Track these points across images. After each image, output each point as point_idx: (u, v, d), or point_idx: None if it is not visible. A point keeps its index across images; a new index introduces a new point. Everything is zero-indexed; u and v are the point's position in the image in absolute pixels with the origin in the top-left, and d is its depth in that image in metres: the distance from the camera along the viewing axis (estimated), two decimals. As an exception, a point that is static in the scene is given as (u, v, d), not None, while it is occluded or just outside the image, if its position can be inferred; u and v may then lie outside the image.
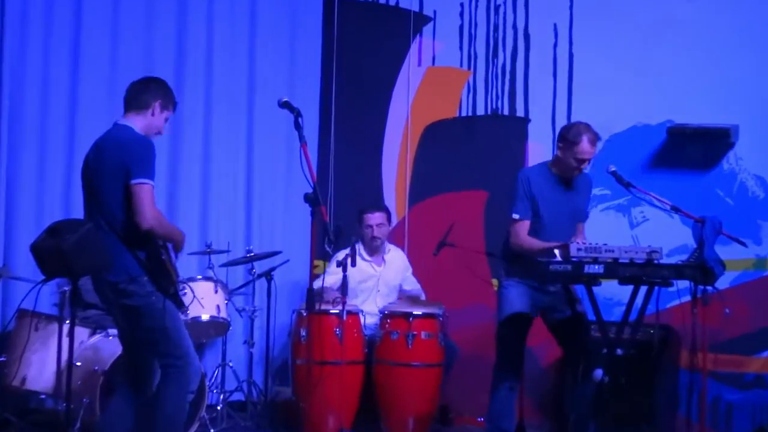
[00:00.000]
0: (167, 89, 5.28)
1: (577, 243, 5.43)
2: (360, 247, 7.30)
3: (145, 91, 5.20)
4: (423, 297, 7.49)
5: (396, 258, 7.56)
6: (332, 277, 7.04)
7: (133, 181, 4.90)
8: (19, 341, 6.19)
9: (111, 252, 4.91)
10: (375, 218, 7.38)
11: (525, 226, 6.02)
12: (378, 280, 7.41)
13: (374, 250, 7.41)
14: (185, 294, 6.44)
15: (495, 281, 7.29)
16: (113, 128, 5.16)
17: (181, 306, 5.22)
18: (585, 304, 5.91)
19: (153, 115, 5.18)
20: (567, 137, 5.96)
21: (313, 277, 5.48)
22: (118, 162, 4.95)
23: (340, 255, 6.79)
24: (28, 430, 6.34)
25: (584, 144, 5.89)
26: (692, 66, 7.15)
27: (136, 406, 5.17)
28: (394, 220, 8.16)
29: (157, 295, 4.99)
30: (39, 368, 6.26)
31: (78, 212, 5.32)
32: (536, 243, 5.89)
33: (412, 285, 7.57)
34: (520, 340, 6.11)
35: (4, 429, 6.29)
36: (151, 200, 4.92)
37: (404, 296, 7.45)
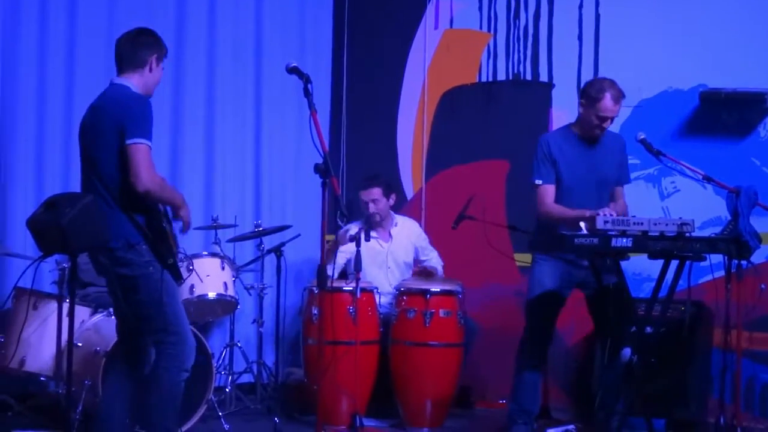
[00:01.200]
0: (159, 39, 5.25)
1: (605, 215, 5.39)
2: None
3: (138, 48, 5.16)
4: (440, 271, 7.45)
5: (405, 230, 7.54)
6: (342, 255, 7.06)
7: (129, 141, 4.88)
8: (16, 321, 6.20)
9: (110, 223, 4.91)
10: (369, 194, 7.37)
11: (549, 191, 6.01)
12: (387, 257, 7.41)
13: (376, 225, 7.40)
14: (189, 269, 6.46)
15: (517, 256, 7.29)
16: (109, 88, 5.15)
17: (179, 278, 5.21)
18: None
19: (151, 71, 5.17)
20: (589, 93, 5.93)
21: (326, 252, 5.48)
22: (114, 122, 4.94)
23: (351, 228, 6.80)
24: (28, 414, 6.37)
25: (607, 100, 5.87)
26: (726, 26, 7.09)
27: (133, 384, 5.19)
28: (410, 192, 8.16)
29: (155, 265, 5.00)
30: (38, 349, 6.28)
31: (77, 185, 5.33)
32: (564, 210, 5.86)
33: (429, 255, 7.55)
34: (549, 320, 6.11)
35: (2, 412, 6.33)
36: (147, 161, 4.90)
37: (419, 269, 7.42)
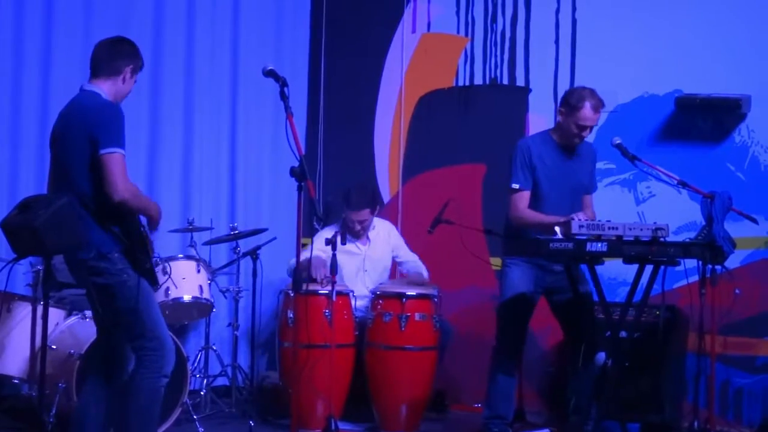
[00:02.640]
0: (137, 51, 5.21)
1: (579, 220, 5.43)
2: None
3: (117, 56, 5.12)
4: (426, 274, 7.44)
5: (381, 233, 7.53)
6: (320, 253, 7.05)
7: (102, 151, 4.84)
8: (-10, 323, 6.19)
9: (82, 230, 4.90)
10: (359, 215, 7.33)
11: (525, 197, 6.03)
12: (363, 260, 7.41)
13: (358, 237, 7.41)
14: (165, 272, 6.45)
15: (493, 260, 7.31)
16: (79, 94, 5.10)
17: (155, 283, 5.18)
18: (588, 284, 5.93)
19: (123, 82, 5.12)
20: (569, 101, 5.97)
21: (301, 255, 5.48)
22: (85, 131, 4.89)
23: (327, 232, 6.80)
24: (1, 416, 6.35)
25: (586, 110, 5.90)
26: (702, 32, 7.12)
27: (110, 391, 5.17)
28: (387, 196, 8.18)
29: (129, 273, 4.97)
30: (12, 352, 6.25)
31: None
32: (537, 216, 5.90)
33: (404, 255, 7.54)
34: (521, 322, 6.13)
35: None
36: (122, 170, 4.87)
37: (407, 280, 7.39)
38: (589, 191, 6.27)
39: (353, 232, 7.35)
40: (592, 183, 6.30)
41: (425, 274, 7.41)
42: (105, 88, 5.08)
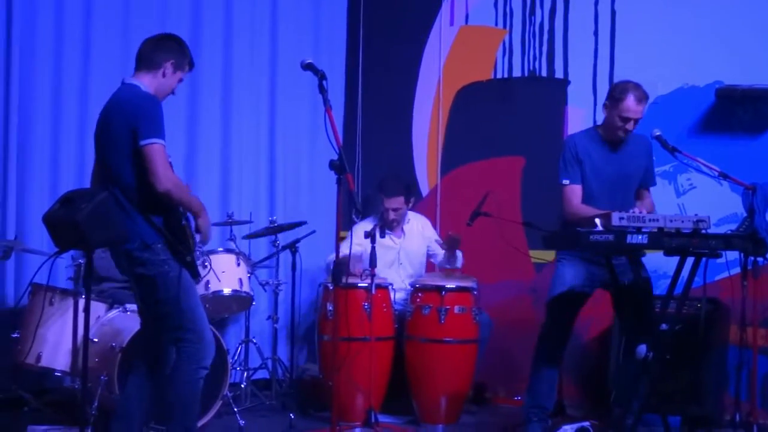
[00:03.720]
0: (183, 48, 5.24)
1: (620, 212, 5.39)
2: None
3: (157, 50, 5.16)
4: (461, 259, 7.42)
5: (416, 227, 7.54)
6: (357, 247, 7.06)
7: (143, 142, 4.88)
8: (32, 317, 6.23)
9: (126, 221, 4.93)
10: (393, 203, 7.35)
11: (577, 191, 5.99)
12: (399, 253, 7.41)
13: (392, 228, 7.41)
14: (205, 266, 6.48)
15: (532, 253, 7.29)
16: (120, 88, 5.15)
17: (197, 276, 5.22)
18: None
19: (164, 76, 5.15)
20: (613, 94, 5.94)
21: (340, 248, 5.49)
22: (125, 124, 4.94)
23: (365, 225, 6.82)
24: (44, 409, 6.40)
25: (629, 101, 5.86)
26: (742, 23, 7.07)
27: (153, 383, 5.22)
28: (425, 189, 8.17)
29: (171, 264, 5.01)
30: (54, 345, 6.30)
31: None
32: (591, 210, 5.85)
33: (438, 249, 7.49)
34: (568, 318, 6.10)
35: (18, 407, 6.36)
36: (164, 161, 4.91)
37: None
38: (645, 185, 6.19)
39: (388, 223, 7.35)
40: (648, 176, 6.20)
41: (460, 257, 7.37)
42: (145, 81, 5.12)
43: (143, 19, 7.45)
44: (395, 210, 7.35)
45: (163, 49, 5.17)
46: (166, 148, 4.95)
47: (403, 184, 7.45)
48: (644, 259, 6.00)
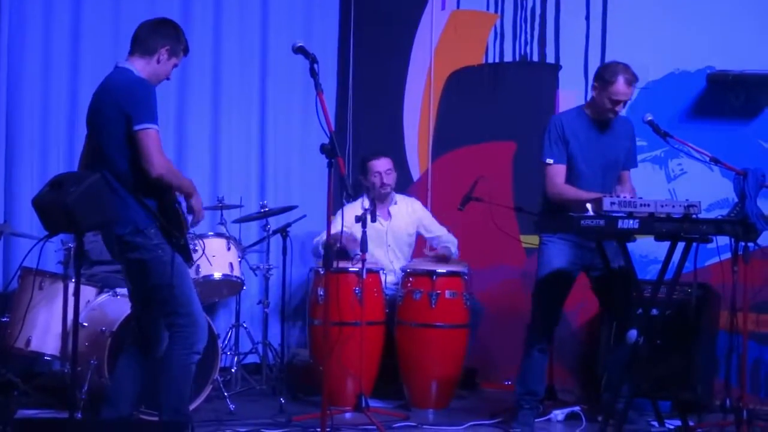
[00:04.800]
0: (179, 34, 5.20)
1: (611, 196, 5.39)
2: (365, 201, 7.27)
3: (153, 35, 5.12)
4: (455, 251, 7.36)
5: (404, 208, 7.50)
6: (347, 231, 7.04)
7: (137, 127, 4.87)
8: (22, 301, 6.21)
9: (117, 204, 4.91)
10: (382, 164, 7.35)
11: (560, 171, 5.97)
12: (386, 235, 7.39)
13: (383, 199, 7.37)
14: (196, 249, 6.46)
15: (523, 238, 7.29)
16: (112, 72, 5.12)
17: (190, 259, 5.22)
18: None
19: (158, 62, 5.12)
20: (602, 76, 5.92)
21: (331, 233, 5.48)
22: (118, 108, 4.92)
23: (354, 207, 6.79)
24: (34, 393, 6.38)
25: (620, 84, 5.85)
26: (734, 8, 7.07)
27: (144, 368, 5.21)
28: (416, 174, 8.16)
29: (164, 248, 5.00)
30: (44, 329, 6.30)
31: (82, 165, 5.35)
32: (575, 191, 5.83)
33: (436, 231, 7.49)
34: (557, 301, 6.10)
35: (7, 391, 6.34)
36: (157, 146, 4.90)
37: (434, 255, 7.36)
38: (626, 167, 6.20)
39: (379, 194, 7.32)
40: (630, 159, 6.22)
41: (454, 249, 7.36)
42: (138, 66, 5.08)
43: (133, 2, 7.41)
44: (387, 173, 7.33)
45: (159, 35, 5.13)
46: (159, 133, 4.93)
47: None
48: (634, 244, 6.00)
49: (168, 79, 5.24)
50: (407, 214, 7.49)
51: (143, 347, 5.23)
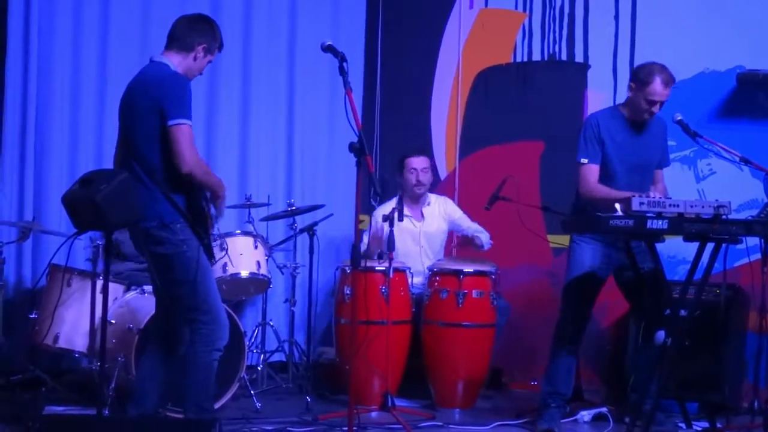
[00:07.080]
0: (215, 31, 5.23)
1: (641, 196, 5.37)
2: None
3: (191, 32, 5.15)
4: (486, 242, 7.33)
5: (436, 208, 7.50)
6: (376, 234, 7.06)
7: (170, 122, 4.89)
8: (50, 298, 6.25)
9: (145, 197, 4.93)
10: (419, 162, 7.35)
11: (594, 171, 5.96)
12: (419, 236, 7.39)
13: (417, 199, 7.37)
14: (224, 248, 6.48)
15: (550, 237, 7.27)
16: (148, 66, 5.15)
17: (212, 258, 5.23)
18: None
19: (195, 59, 5.15)
20: (639, 76, 5.91)
21: (359, 231, 5.48)
22: (153, 102, 4.93)
23: (385, 208, 6.79)
24: (62, 389, 6.42)
25: (656, 84, 5.83)
26: (764, 8, 7.04)
27: (168, 365, 5.23)
28: (444, 173, 8.15)
29: (189, 244, 5.01)
30: (72, 326, 6.33)
31: (111, 162, 5.36)
32: (608, 191, 5.82)
33: (468, 224, 7.45)
34: (587, 301, 6.08)
35: (36, 387, 6.38)
36: (190, 142, 4.92)
37: (462, 238, 7.34)
38: (660, 166, 6.18)
39: (414, 194, 7.32)
40: (664, 158, 6.21)
41: (485, 239, 7.31)
42: (174, 61, 5.11)
43: (162, 2, 7.43)
44: (423, 170, 7.33)
45: (196, 32, 5.16)
46: (192, 129, 4.95)
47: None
48: (663, 244, 5.97)
49: (200, 74, 5.26)
50: (439, 214, 7.49)
51: (167, 344, 5.25)
